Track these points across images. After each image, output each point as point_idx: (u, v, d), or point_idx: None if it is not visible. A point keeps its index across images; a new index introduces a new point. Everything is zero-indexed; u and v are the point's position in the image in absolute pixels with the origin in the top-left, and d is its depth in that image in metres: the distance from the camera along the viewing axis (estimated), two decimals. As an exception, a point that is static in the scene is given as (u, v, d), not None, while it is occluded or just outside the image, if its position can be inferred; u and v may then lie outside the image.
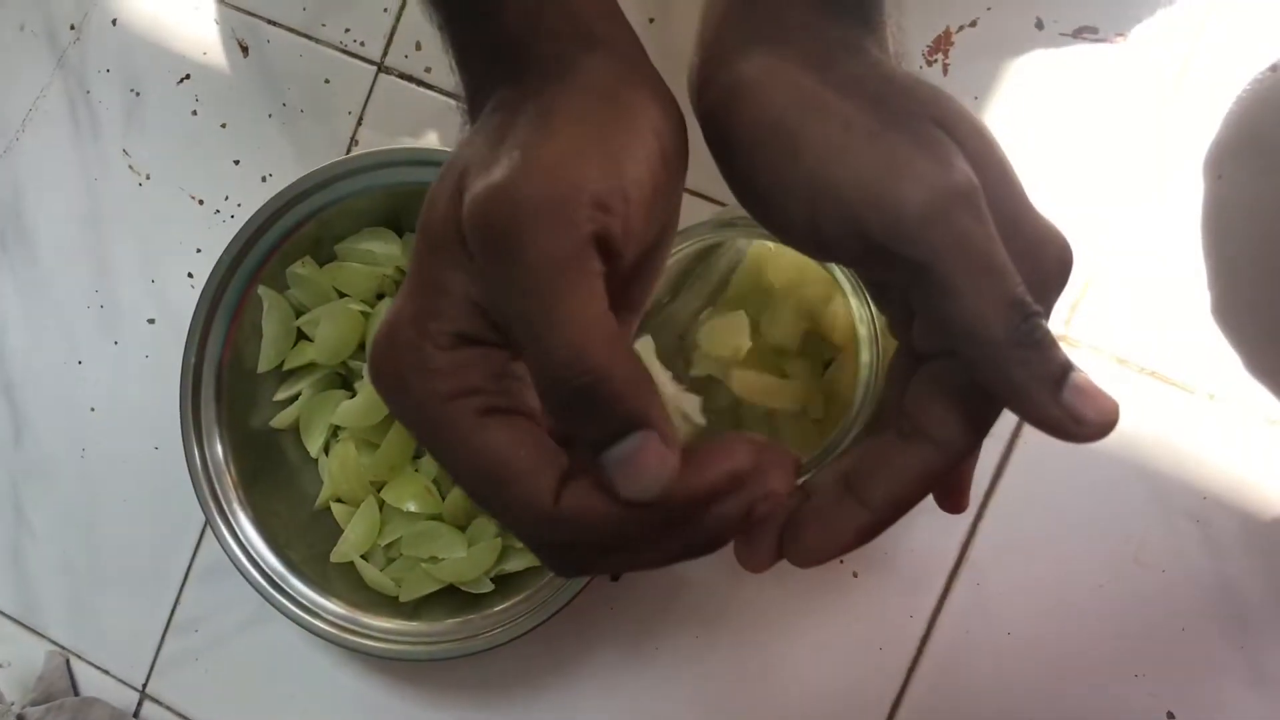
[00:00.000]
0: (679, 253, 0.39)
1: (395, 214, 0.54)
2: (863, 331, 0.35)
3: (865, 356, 0.35)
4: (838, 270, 0.36)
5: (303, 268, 0.53)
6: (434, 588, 0.53)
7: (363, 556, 0.54)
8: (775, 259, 0.44)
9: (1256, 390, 0.47)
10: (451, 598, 0.53)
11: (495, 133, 0.29)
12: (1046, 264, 0.29)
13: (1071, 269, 0.30)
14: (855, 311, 0.35)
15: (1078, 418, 0.27)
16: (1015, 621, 0.49)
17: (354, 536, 0.53)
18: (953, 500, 0.34)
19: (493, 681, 0.55)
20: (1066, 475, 0.49)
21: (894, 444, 0.30)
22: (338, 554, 0.54)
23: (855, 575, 0.51)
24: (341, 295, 0.54)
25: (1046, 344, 0.27)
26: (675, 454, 0.26)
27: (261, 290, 0.53)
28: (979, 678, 0.49)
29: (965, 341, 0.27)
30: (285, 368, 0.55)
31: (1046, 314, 0.29)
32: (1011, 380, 0.27)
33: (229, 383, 0.53)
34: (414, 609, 0.53)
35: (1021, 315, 0.27)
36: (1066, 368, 0.27)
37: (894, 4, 0.32)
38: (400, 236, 0.54)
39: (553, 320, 0.25)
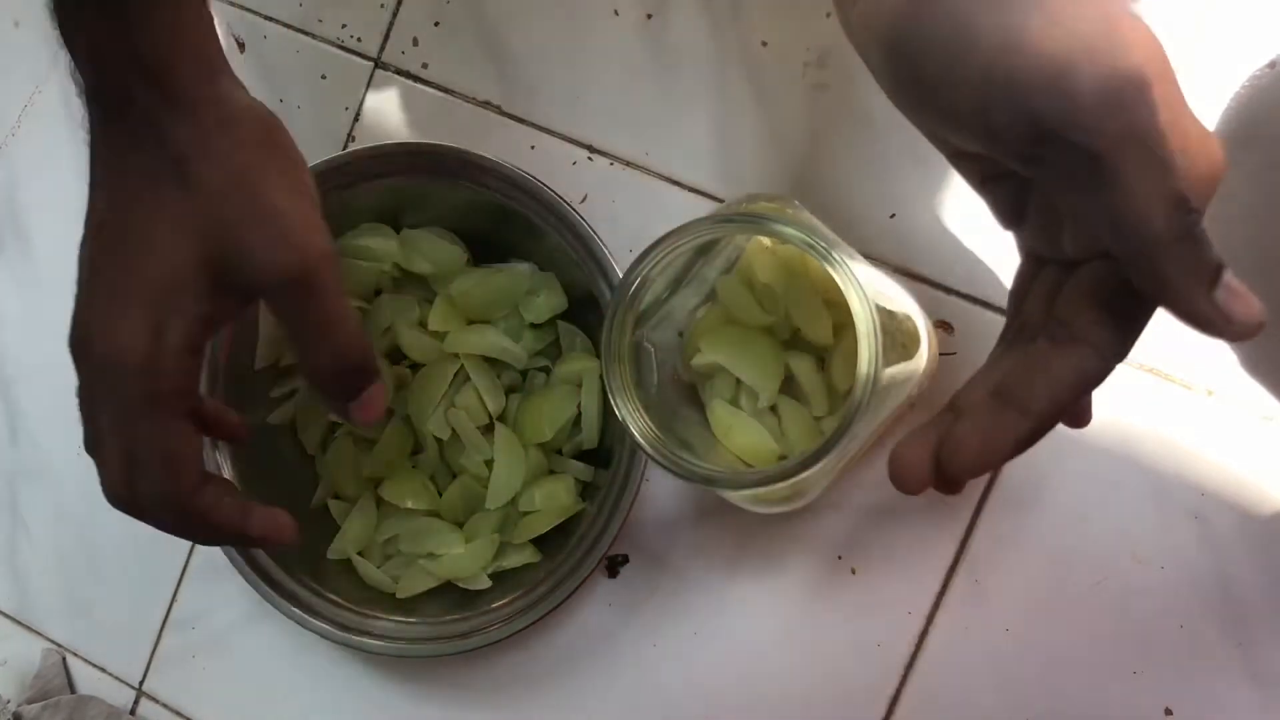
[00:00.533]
0: (677, 249, 0.39)
1: (393, 211, 0.54)
2: (862, 327, 0.35)
3: (865, 351, 0.35)
4: (837, 265, 0.35)
5: None
6: (431, 584, 0.53)
7: (360, 554, 0.54)
8: (772, 256, 0.44)
9: (1254, 387, 0.47)
10: (449, 594, 0.53)
11: (90, 248, 0.38)
12: (1199, 167, 0.29)
13: (1222, 176, 0.30)
14: (855, 306, 0.35)
15: (1228, 316, 0.28)
16: (1013, 618, 0.49)
17: (351, 533, 0.53)
18: (1079, 416, 0.35)
19: (490, 678, 0.54)
20: (1065, 471, 0.49)
21: (1048, 351, 0.31)
22: (335, 550, 0.54)
23: (854, 572, 0.51)
24: None
25: (1204, 241, 0.28)
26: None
27: None
28: (977, 674, 0.49)
29: (1126, 233, 0.28)
30: (283, 364, 0.55)
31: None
32: (1167, 275, 0.28)
33: (226, 380, 0.53)
34: (411, 606, 0.53)
35: (1184, 211, 0.28)
36: (1221, 266, 0.28)
37: None
38: (398, 233, 0.54)
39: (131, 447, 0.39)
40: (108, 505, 0.61)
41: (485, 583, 0.52)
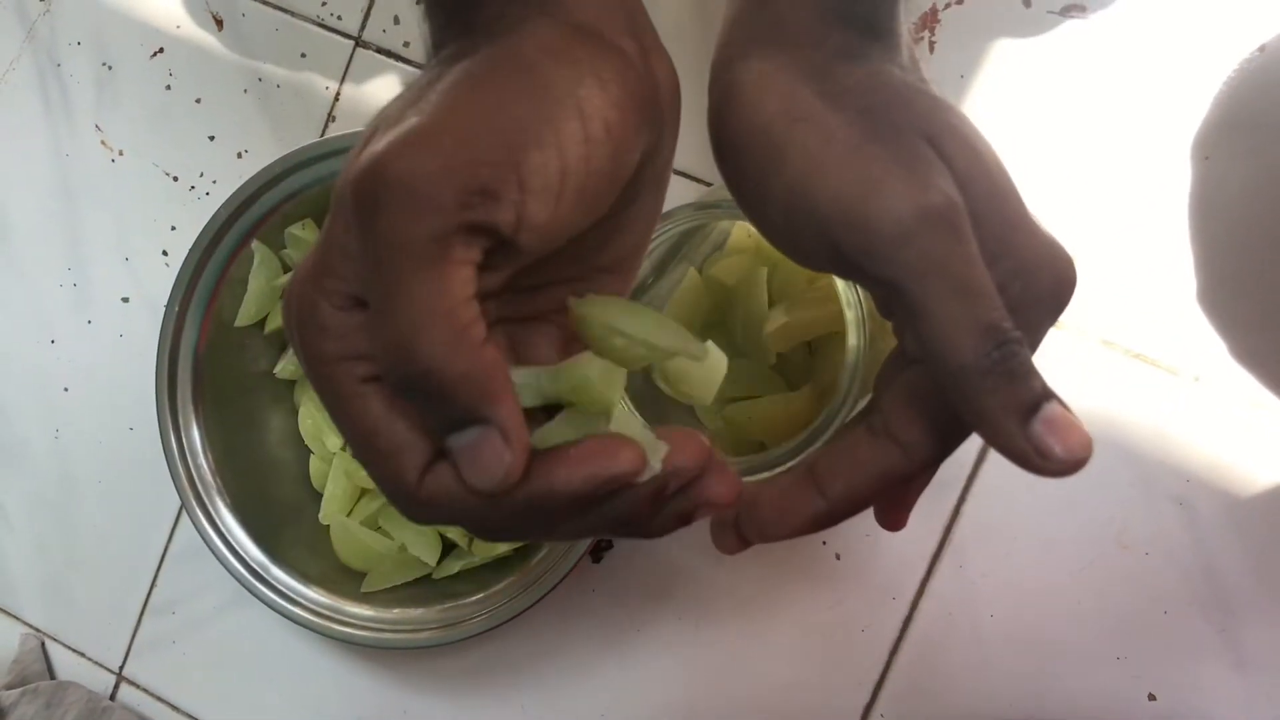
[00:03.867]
0: (664, 234, 0.38)
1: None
2: (850, 315, 0.35)
3: (853, 340, 0.34)
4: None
5: (303, 230, 0.53)
6: (397, 580, 0.53)
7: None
8: (757, 243, 0.43)
9: (1241, 374, 0.47)
10: (432, 586, 0.52)
11: (416, 93, 0.27)
12: (1039, 284, 0.28)
13: (1073, 289, 0.28)
14: (843, 296, 0.35)
15: (1044, 452, 0.26)
16: (997, 604, 0.49)
17: (333, 493, 0.53)
18: (892, 516, 0.32)
19: (474, 668, 0.54)
20: (1050, 457, 0.48)
21: (862, 439, 0.29)
22: (325, 515, 0.54)
23: (838, 557, 0.50)
24: None
25: (1020, 373, 0.26)
26: (515, 453, 0.25)
27: (255, 245, 0.52)
28: (961, 659, 0.49)
29: (934, 363, 0.27)
30: (267, 330, 0.54)
31: (1036, 336, 0.28)
32: (978, 407, 0.26)
33: (206, 362, 0.52)
34: (393, 596, 0.52)
35: (995, 342, 0.26)
36: (1040, 398, 0.26)
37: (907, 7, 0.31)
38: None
39: (395, 306, 0.24)
40: (86, 490, 0.60)
41: (451, 569, 0.52)
